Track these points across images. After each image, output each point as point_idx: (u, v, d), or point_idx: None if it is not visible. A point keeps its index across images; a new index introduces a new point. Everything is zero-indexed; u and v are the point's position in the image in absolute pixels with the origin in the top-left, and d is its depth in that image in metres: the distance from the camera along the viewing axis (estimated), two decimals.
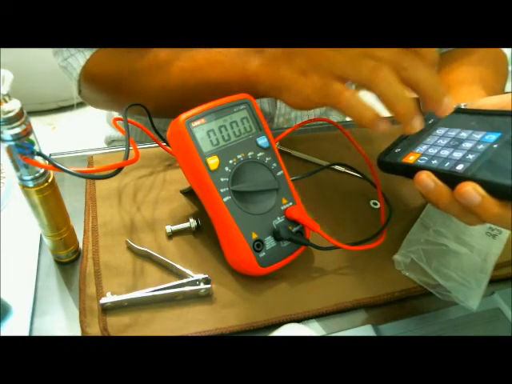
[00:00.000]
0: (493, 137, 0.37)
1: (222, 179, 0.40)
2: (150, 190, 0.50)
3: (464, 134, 0.39)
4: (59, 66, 0.57)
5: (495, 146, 0.36)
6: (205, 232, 0.45)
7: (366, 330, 0.38)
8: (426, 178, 0.35)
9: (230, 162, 0.40)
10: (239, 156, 0.41)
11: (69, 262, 0.43)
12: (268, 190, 0.42)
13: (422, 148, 0.40)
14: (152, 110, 0.49)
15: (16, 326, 0.37)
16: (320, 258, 0.43)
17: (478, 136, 0.38)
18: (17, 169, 0.34)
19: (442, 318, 0.40)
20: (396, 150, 0.42)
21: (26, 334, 0.37)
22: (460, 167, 0.35)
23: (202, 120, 0.40)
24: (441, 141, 0.40)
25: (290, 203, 0.42)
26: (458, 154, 0.37)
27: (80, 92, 0.60)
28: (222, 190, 0.39)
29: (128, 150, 0.39)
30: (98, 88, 0.58)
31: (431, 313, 0.40)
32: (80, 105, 1.97)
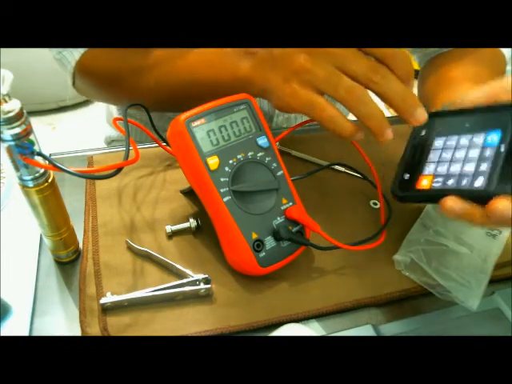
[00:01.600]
0: (495, 137, 0.36)
1: (221, 179, 0.40)
2: (149, 189, 0.50)
3: (464, 141, 0.38)
4: (54, 58, 0.57)
5: (502, 149, 0.35)
6: (205, 232, 0.45)
7: (366, 330, 0.38)
8: (454, 205, 0.34)
9: (230, 161, 0.40)
10: (239, 156, 0.41)
11: (69, 261, 0.43)
12: (268, 190, 0.42)
13: (430, 168, 0.39)
14: (146, 105, 0.49)
15: (16, 326, 0.37)
16: (320, 258, 0.43)
17: (479, 140, 0.37)
18: (17, 169, 0.34)
19: (442, 317, 0.40)
20: (405, 177, 0.40)
21: (26, 334, 0.37)
22: (479, 183, 0.34)
23: (202, 120, 0.40)
24: (445, 154, 0.38)
25: (290, 203, 0.42)
26: (469, 168, 0.36)
27: (74, 83, 0.60)
28: (221, 190, 0.39)
29: (128, 150, 0.39)
30: (91, 82, 0.59)
31: (431, 313, 0.40)
32: (80, 105, 1.98)
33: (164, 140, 0.52)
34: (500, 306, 0.41)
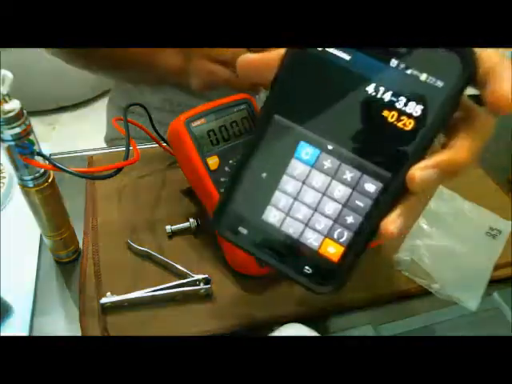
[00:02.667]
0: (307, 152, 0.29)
1: (222, 179, 0.40)
2: (149, 190, 0.50)
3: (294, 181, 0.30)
4: None
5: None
6: (205, 232, 0.45)
7: (366, 330, 0.38)
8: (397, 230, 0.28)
9: (230, 162, 0.40)
10: (239, 156, 0.41)
11: (69, 261, 0.43)
12: None
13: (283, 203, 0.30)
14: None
15: (16, 326, 0.37)
16: None
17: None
18: (17, 169, 0.34)
19: (442, 317, 0.40)
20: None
21: (26, 334, 0.37)
22: (373, 187, 0.28)
23: (202, 120, 0.40)
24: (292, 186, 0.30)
25: None
26: (333, 200, 0.29)
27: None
28: (222, 190, 0.39)
29: (128, 150, 0.39)
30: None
31: (431, 313, 0.40)
32: (80, 105, 1.98)
33: (164, 140, 0.52)
34: (500, 306, 0.41)
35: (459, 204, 0.49)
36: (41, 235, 0.44)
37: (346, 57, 0.26)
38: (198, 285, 0.40)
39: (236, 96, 0.42)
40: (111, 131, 0.78)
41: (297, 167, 0.29)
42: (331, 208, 0.29)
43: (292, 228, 0.29)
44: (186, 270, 0.41)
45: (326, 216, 0.29)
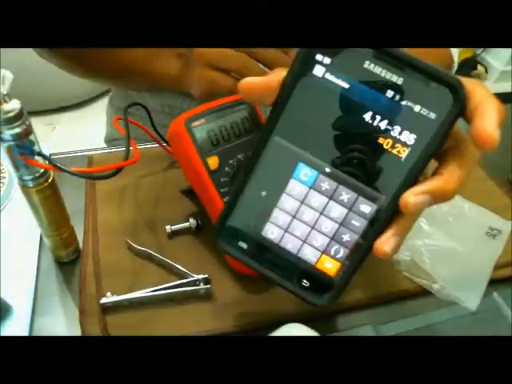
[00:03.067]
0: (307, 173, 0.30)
1: (222, 179, 0.40)
2: (149, 189, 0.50)
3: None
4: None
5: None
6: (205, 232, 0.45)
7: (366, 330, 0.38)
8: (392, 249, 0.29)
9: (230, 162, 0.40)
10: (239, 156, 0.41)
11: (69, 262, 0.43)
12: None
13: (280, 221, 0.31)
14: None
15: (16, 326, 0.37)
16: None
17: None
18: (17, 169, 0.34)
19: (442, 317, 0.40)
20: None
21: (26, 334, 0.37)
22: (372, 208, 0.29)
23: (202, 120, 0.40)
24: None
25: None
26: (334, 214, 0.30)
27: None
28: (221, 190, 0.39)
29: (128, 150, 0.39)
30: (51, 54, 0.60)
31: (431, 313, 0.40)
32: (80, 105, 1.98)
33: (164, 140, 0.52)
34: (500, 306, 0.41)
35: (459, 204, 0.49)
36: (41, 235, 0.44)
37: (345, 85, 0.27)
38: (198, 285, 0.40)
39: (236, 96, 0.42)
40: (111, 131, 0.78)
41: (295, 187, 0.30)
42: (328, 226, 0.30)
43: (290, 244, 0.31)
44: (185, 270, 0.41)
45: (323, 234, 0.30)
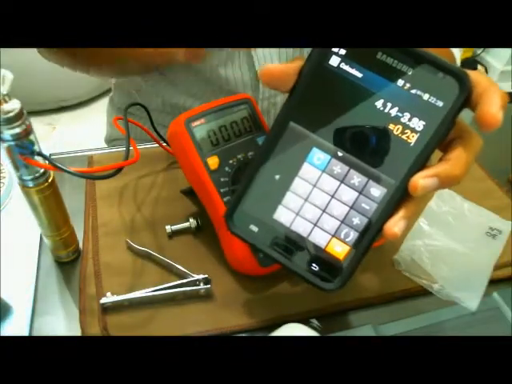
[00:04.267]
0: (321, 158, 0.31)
1: (222, 179, 0.40)
2: (150, 190, 0.50)
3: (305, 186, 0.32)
4: None
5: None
6: (205, 232, 0.45)
7: (366, 330, 0.38)
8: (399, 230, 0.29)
9: (230, 162, 0.40)
10: (239, 156, 0.41)
11: (69, 261, 0.43)
12: None
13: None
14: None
15: (16, 326, 0.37)
16: None
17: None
18: (17, 169, 0.34)
19: (441, 317, 0.40)
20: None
21: (26, 334, 0.37)
22: (379, 192, 0.30)
23: (202, 120, 0.40)
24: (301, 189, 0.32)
25: None
26: (346, 196, 0.31)
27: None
28: (221, 190, 0.39)
29: (128, 150, 0.39)
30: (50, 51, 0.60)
31: (431, 313, 0.40)
32: (80, 105, 1.98)
33: (164, 140, 0.52)
34: (500, 306, 0.41)
35: (459, 204, 0.49)
36: (41, 235, 0.44)
37: (359, 74, 0.29)
38: (198, 285, 0.40)
39: (236, 96, 0.42)
40: (111, 131, 0.78)
41: (308, 171, 0.31)
42: (339, 210, 0.31)
43: (301, 227, 0.31)
44: (185, 270, 0.41)
45: (334, 217, 0.31)
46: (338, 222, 0.31)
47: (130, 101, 0.71)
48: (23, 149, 0.32)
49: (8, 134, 0.31)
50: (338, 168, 0.30)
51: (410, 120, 0.29)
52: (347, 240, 0.31)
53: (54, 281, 0.41)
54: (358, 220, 0.30)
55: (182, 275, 0.41)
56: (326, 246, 0.31)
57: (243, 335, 0.38)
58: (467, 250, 0.44)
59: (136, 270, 0.42)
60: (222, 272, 0.42)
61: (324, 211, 0.31)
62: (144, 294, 0.39)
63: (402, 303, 0.41)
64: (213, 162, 0.40)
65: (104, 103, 0.81)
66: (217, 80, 0.59)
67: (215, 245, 0.43)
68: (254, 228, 0.32)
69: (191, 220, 0.45)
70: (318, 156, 0.30)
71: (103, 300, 0.38)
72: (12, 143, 0.32)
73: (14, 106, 0.31)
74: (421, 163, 0.29)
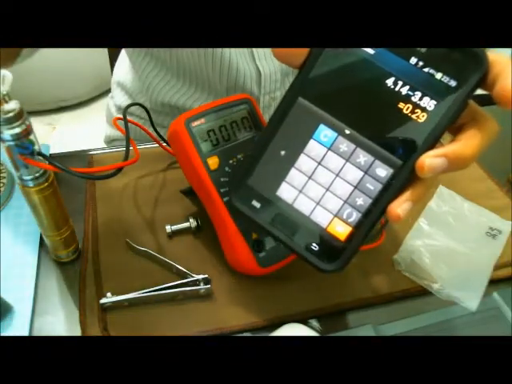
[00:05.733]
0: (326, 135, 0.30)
1: (222, 179, 0.40)
2: (150, 190, 0.50)
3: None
4: None
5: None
6: (205, 232, 0.45)
7: (366, 330, 0.38)
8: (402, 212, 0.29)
9: (230, 161, 0.40)
10: (239, 156, 0.41)
11: (69, 261, 0.43)
12: None
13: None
14: None
15: (16, 326, 0.37)
16: None
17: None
18: (17, 169, 0.34)
19: (441, 317, 0.40)
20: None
21: (26, 334, 0.37)
22: (384, 173, 0.29)
23: (202, 120, 0.40)
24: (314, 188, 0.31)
25: None
26: (350, 176, 0.30)
27: None
28: (222, 190, 0.39)
29: (128, 150, 0.39)
30: None
31: (431, 313, 0.40)
32: (80, 105, 1.98)
33: (164, 140, 0.52)
34: (500, 305, 0.41)
35: (459, 204, 0.49)
36: (41, 235, 0.44)
37: (371, 51, 0.29)
38: (198, 285, 0.40)
39: (236, 96, 0.42)
40: (111, 132, 0.78)
41: (314, 148, 0.30)
42: (343, 189, 0.30)
43: (304, 205, 0.31)
44: (185, 270, 0.41)
45: (337, 196, 0.30)
46: (341, 202, 0.30)
47: (129, 101, 0.71)
48: (23, 149, 0.32)
49: (8, 134, 0.31)
50: (345, 146, 0.30)
51: (420, 99, 0.28)
52: (349, 220, 0.30)
53: (54, 281, 0.41)
54: (361, 200, 0.30)
55: (182, 275, 0.41)
56: (328, 225, 0.31)
57: (243, 335, 0.38)
58: (467, 250, 0.44)
59: (136, 270, 0.42)
60: (222, 272, 0.42)
61: (327, 190, 0.30)
62: (144, 294, 0.39)
63: (402, 303, 0.41)
64: (213, 162, 0.40)
65: (104, 103, 0.81)
66: (225, 78, 0.59)
67: (215, 245, 0.43)
68: (257, 204, 0.32)
69: (191, 220, 0.45)
70: (324, 133, 0.30)
71: (103, 300, 0.38)
72: (12, 143, 0.32)
73: (13, 106, 0.31)
74: (430, 144, 0.28)
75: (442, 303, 0.41)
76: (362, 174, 0.29)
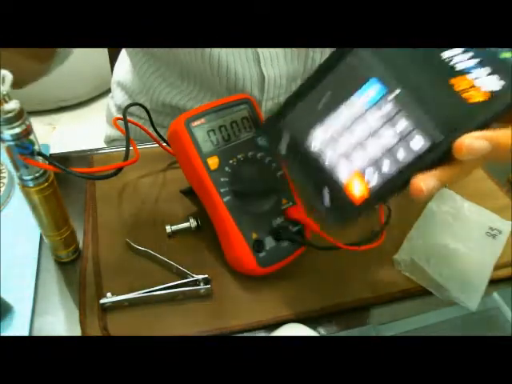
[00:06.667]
0: (372, 92, 0.30)
1: (222, 179, 0.40)
2: (150, 189, 0.50)
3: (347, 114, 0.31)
4: None
5: (394, 95, 0.29)
6: (205, 232, 0.45)
7: (366, 330, 0.38)
8: (425, 184, 0.27)
9: (230, 161, 0.40)
10: (239, 156, 0.41)
11: (69, 261, 0.43)
12: (268, 190, 0.42)
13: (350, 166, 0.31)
14: None
15: (16, 326, 0.37)
16: (320, 258, 0.43)
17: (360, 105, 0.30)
18: (17, 169, 0.34)
19: (442, 317, 0.40)
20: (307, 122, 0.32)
21: (26, 334, 0.37)
22: (421, 143, 0.28)
23: (202, 120, 0.40)
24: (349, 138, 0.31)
25: (290, 203, 0.42)
26: (388, 139, 0.29)
27: None
28: (221, 190, 0.39)
29: (128, 150, 0.39)
30: None
31: (431, 313, 0.40)
32: (80, 105, 1.98)
33: (164, 140, 0.52)
34: (500, 306, 0.41)
35: (459, 204, 0.49)
36: (41, 235, 0.44)
37: None
38: (198, 285, 0.40)
39: (236, 96, 0.42)
40: (111, 132, 0.78)
41: (356, 102, 0.29)
42: (373, 151, 0.29)
43: (329, 158, 0.30)
44: (185, 270, 0.41)
45: (365, 157, 0.29)
46: (367, 163, 0.29)
47: (129, 101, 0.71)
48: (23, 149, 0.32)
49: (8, 134, 0.31)
50: (389, 106, 0.28)
51: (477, 78, 0.26)
52: (370, 185, 0.29)
53: (54, 281, 0.41)
54: (387, 166, 0.28)
55: (182, 275, 0.41)
56: (347, 184, 0.29)
57: (243, 335, 0.38)
58: (467, 250, 0.44)
59: (136, 269, 0.42)
60: (222, 272, 0.42)
61: (357, 147, 0.29)
62: (144, 294, 0.39)
63: (402, 303, 0.41)
64: (213, 162, 0.40)
65: (104, 103, 0.81)
66: (224, 81, 0.59)
67: (215, 245, 0.43)
68: (284, 144, 0.31)
69: (191, 220, 0.45)
70: (373, 87, 0.29)
71: (103, 300, 0.38)
72: (12, 143, 0.32)
73: (14, 105, 0.31)
74: (476, 126, 0.26)
75: (442, 303, 0.41)
76: (397, 139, 0.28)
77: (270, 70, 0.58)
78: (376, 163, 0.29)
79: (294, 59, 0.59)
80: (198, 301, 0.40)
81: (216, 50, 0.55)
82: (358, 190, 0.29)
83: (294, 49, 0.58)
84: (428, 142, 0.27)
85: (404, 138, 0.28)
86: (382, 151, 0.28)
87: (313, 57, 0.59)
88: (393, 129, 0.28)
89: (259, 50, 0.57)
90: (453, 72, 0.27)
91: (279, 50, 0.57)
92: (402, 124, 0.28)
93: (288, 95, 0.32)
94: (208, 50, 0.55)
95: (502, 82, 0.26)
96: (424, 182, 0.26)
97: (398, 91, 0.28)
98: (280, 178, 0.42)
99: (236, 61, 0.57)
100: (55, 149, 0.53)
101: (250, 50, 0.57)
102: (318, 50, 0.58)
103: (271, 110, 0.64)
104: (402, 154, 0.28)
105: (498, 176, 0.54)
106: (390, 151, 0.28)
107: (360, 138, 0.29)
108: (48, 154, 0.33)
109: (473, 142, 0.25)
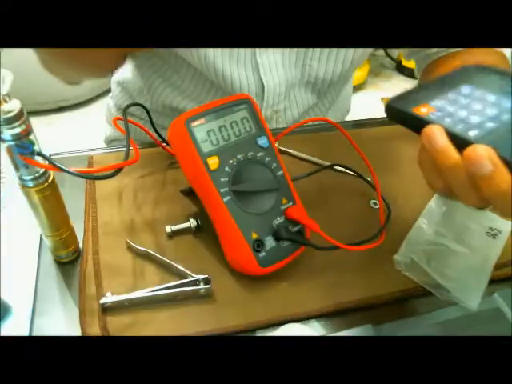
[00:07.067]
0: None
1: (222, 179, 0.40)
2: (150, 189, 0.50)
3: (491, 98, 0.34)
4: None
5: None
6: (205, 232, 0.45)
7: (366, 330, 0.38)
8: (437, 133, 0.30)
9: (230, 161, 0.40)
10: (239, 156, 0.41)
11: (69, 261, 0.43)
12: (268, 190, 0.42)
13: (439, 103, 0.34)
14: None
15: (16, 326, 0.37)
16: (320, 258, 0.43)
17: (507, 104, 0.32)
18: (17, 169, 0.34)
19: (442, 317, 0.40)
20: (410, 98, 0.36)
21: (26, 334, 0.37)
22: (473, 133, 0.30)
23: (202, 120, 0.40)
24: (462, 99, 0.34)
25: (290, 203, 0.42)
26: (475, 119, 0.32)
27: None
28: (221, 190, 0.39)
29: (128, 150, 0.39)
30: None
31: (431, 313, 0.40)
32: (80, 105, 1.98)
33: (164, 140, 0.52)
34: (500, 305, 0.41)
35: (459, 204, 0.49)
36: (41, 235, 0.44)
37: None
38: (198, 285, 0.40)
39: (236, 96, 0.42)
40: (111, 132, 0.78)
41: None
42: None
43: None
44: (185, 270, 0.41)
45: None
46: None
47: (129, 101, 0.71)
48: (23, 149, 0.32)
49: (8, 133, 0.31)
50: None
51: None
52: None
53: (54, 281, 0.41)
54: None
55: (182, 275, 0.41)
56: None
57: (243, 335, 0.38)
58: (467, 250, 0.44)
59: (136, 269, 0.42)
60: (222, 272, 0.42)
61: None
62: (144, 294, 0.39)
63: (402, 303, 0.41)
64: (213, 161, 0.40)
65: (104, 103, 0.81)
66: (223, 87, 0.59)
67: (215, 245, 0.43)
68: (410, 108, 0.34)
69: (191, 220, 0.45)
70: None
71: (103, 300, 0.38)
72: (12, 143, 0.32)
73: (14, 105, 0.31)
74: None
75: (442, 303, 0.41)
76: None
77: (269, 78, 0.58)
78: (448, 114, 0.32)
79: (292, 67, 0.59)
80: (198, 301, 0.40)
81: (217, 60, 0.55)
82: (423, 110, 0.33)
83: (291, 56, 0.58)
84: (472, 140, 0.29)
85: (477, 126, 0.31)
86: (461, 117, 0.32)
87: (310, 64, 0.59)
88: (486, 120, 0.31)
89: (258, 58, 0.56)
90: None
91: (278, 58, 0.57)
92: (491, 125, 0.30)
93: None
94: (210, 59, 0.55)
95: None
96: (481, 152, 0.28)
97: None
98: (280, 177, 0.42)
99: (236, 70, 0.57)
100: (55, 149, 0.53)
101: (249, 59, 0.57)
102: (315, 57, 0.58)
103: (271, 118, 0.64)
104: (459, 127, 0.31)
105: None
106: (460, 121, 0.31)
107: (468, 107, 0.33)
108: (48, 154, 0.33)
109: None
